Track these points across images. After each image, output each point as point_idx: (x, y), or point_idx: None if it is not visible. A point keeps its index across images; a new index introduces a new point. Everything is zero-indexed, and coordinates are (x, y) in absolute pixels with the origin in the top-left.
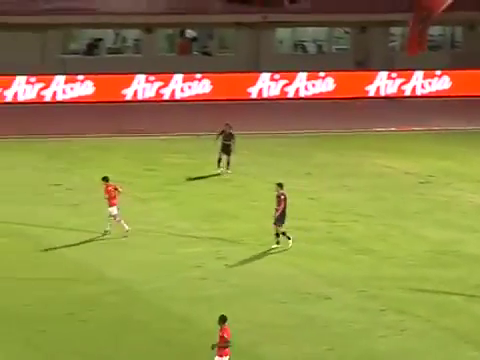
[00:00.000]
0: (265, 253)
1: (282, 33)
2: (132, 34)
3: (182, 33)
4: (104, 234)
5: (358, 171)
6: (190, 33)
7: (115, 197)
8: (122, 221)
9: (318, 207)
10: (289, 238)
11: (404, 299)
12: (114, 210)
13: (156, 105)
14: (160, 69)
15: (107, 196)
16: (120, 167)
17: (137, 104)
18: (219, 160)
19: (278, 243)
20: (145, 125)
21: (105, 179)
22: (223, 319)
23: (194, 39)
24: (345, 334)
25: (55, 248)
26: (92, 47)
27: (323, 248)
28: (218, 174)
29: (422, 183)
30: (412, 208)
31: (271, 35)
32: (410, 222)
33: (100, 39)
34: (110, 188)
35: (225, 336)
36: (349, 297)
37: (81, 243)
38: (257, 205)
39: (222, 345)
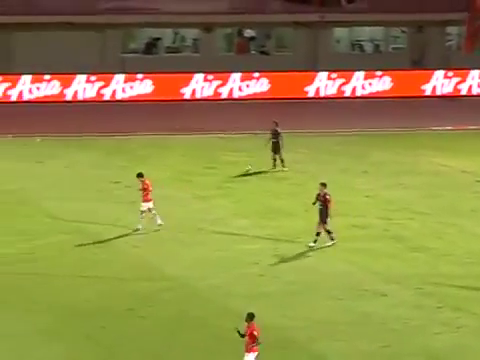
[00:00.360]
0: (321, 250)
1: (339, 32)
2: (191, 33)
3: (240, 32)
4: (157, 230)
5: (414, 169)
6: (248, 32)
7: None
8: (143, 218)
9: (374, 205)
10: (315, 242)
11: (460, 296)
12: (151, 204)
13: (214, 104)
14: (218, 68)
15: (146, 192)
16: (179, 165)
17: (195, 103)
18: (274, 160)
19: (332, 239)
20: (203, 123)
21: (140, 175)
22: (251, 316)
23: (252, 38)
24: (401, 331)
25: (114, 245)
26: (151, 46)
27: (379, 245)
28: (276, 172)
29: (478, 181)
30: (468, 206)
31: (328, 34)
32: (466, 220)
33: (159, 38)
34: (148, 183)
35: (254, 333)
36: (405, 294)
37: (140, 240)
38: None
39: (251, 342)
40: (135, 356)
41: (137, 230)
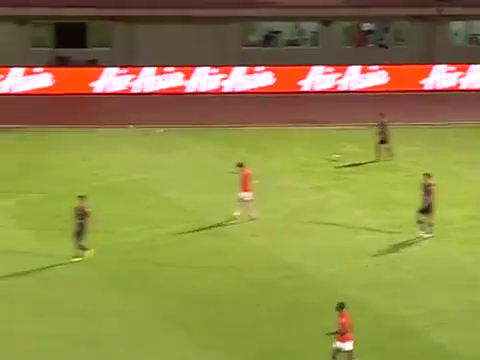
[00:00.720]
0: (438, 240)
1: (457, 26)
2: (310, 27)
3: (358, 26)
4: (233, 221)
5: None
6: (366, 26)
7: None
8: (250, 208)
9: None
10: (430, 233)
11: None
12: (246, 195)
13: (332, 96)
14: (337, 61)
15: (245, 182)
16: (297, 156)
17: (314, 95)
18: (379, 150)
19: (423, 230)
20: (321, 115)
21: (240, 165)
22: (341, 306)
23: (370, 32)
24: None
25: (233, 235)
26: (269, 39)
27: None
28: (390, 163)
29: None
30: None
31: (446, 28)
32: None
33: (278, 31)
34: (246, 173)
35: (343, 321)
36: None
37: (259, 230)
38: None
39: (342, 331)
40: (254, 342)
41: (253, 219)
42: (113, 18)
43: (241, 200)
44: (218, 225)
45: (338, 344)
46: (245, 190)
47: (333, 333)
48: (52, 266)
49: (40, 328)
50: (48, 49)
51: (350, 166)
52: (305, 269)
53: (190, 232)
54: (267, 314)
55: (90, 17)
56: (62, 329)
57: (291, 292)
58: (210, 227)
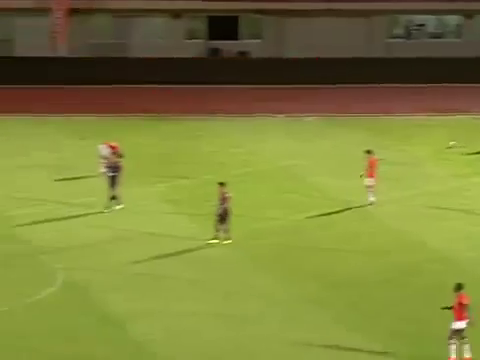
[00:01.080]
0: None
1: None
2: (453, 20)
3: None
4: (370, 204)
5: None
6: None
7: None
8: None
9: None
10: None
11: None
12: (372, 181)
13: (470, 86)
14: (479, 53)
15: (371, 168)
16: (438, 144)
17: (452, 85)
18: None
19: None
20: (462, 104)
21: (369, 152)
22: (459, 286)
23: None
24: None
25: (376, 219)
26: (413, 32)
27: None
28: None
29: None
30: None
31: None
32: None
33: (422, 24)
34: (373, 160)
35: (464, 302)
36: None
37: (402, 214)
38: None
39: (460, 310)
40: (396, 322)
41: (371, 204)
42: (264, 11)
43: (370, 186)
44: (360, 210)
45: (453, 324)
46: (371, 176)
47: (448, 308)
48: (201, 248)
49: (187, 307)
50: (201, 41)
51: None
52: (445, 252)
53: (333, 216)
54: (407, 296)
55: (242, 10)
56: (209, 308)
57: (431, 275)
58: (352, 212)
